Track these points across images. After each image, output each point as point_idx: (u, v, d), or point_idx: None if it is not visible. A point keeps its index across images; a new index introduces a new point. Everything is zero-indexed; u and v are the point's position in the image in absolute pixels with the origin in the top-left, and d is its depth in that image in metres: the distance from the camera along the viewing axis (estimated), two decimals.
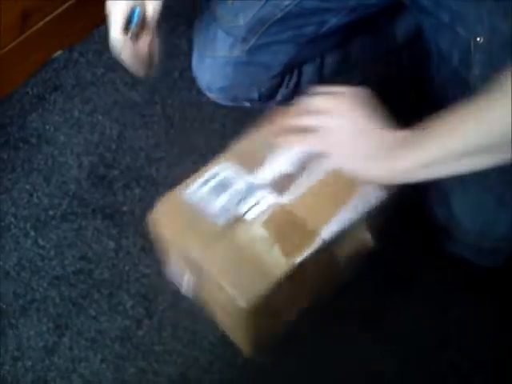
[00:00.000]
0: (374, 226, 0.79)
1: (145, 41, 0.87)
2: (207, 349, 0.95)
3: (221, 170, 0.78)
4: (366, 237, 0.80)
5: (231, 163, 0.79)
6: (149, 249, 1.05)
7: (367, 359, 0.93)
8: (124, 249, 1.06)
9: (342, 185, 0.76)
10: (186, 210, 0.76)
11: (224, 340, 0.95)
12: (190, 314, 0.98)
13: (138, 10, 0.82)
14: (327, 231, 0.73)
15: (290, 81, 1.16)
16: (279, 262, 0.71)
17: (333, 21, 1.01)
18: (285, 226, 0.74)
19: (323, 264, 0.79)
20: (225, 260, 0.73)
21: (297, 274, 0.73)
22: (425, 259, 0.99)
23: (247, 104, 1.16)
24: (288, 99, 1.18)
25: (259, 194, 0.76)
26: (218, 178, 0.78)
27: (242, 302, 0.69)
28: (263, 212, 0.74)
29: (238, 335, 0.87)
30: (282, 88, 1.16)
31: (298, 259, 0.72)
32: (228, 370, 0.93)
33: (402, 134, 0.70)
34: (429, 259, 0.99)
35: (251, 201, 0.75)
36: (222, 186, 0.77)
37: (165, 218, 0.78)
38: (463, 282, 0.98)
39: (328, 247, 0.74)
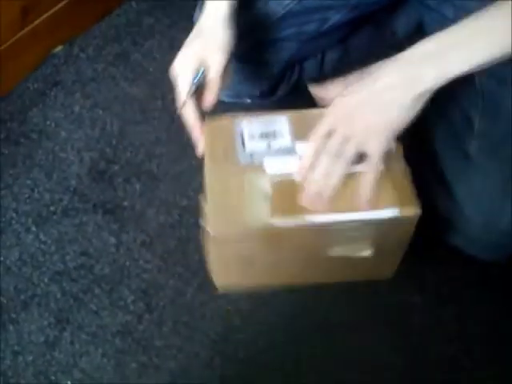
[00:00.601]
0: (379, 240, 0.81)
1: (207, 96, 0.85)
2: (208, 344, 0.95)
3: (278, 121, 0.84)
4: (366, 247, 0.82)
5: (289, 122, 0.84)
6: (149, 244, 1.06)
7: (368, 358, 0.93)
8: (124, 244, 1.06)
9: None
10: (228, 135, 0.83)
11: (224, 336, 0.96)
12: (190, 309, 0.99)
13: (202, 71, 0.83)
14: (320, 218, 0.76)
15: (290, 77, 1.16)
16: (261, 218, 0.76)
17: (334, 18, 1.01)
18: (288, 195, 0.77)
19: (309, 249, 0.82)
20: (221, 188, 0.79)
21: (272, 238, 0.77)
22: (426, 256, 0.99)
23: (248, 100, 1.16)
24: (288, 95, 1.19)
25: (290, 160, 0.80)
26: (270, 127, 0.83)
27: (210, 228, 0.76)
28: (281, 175, 0.79)
29: (210, 261, 0.91)
30: (282, 84, 1.17)
31: (277, 224, 0.76)
32: (228, 366, 0.93)
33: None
34: (430, 255, 0.99)
35: (280, 160, 0.80)
36: (268, 135, 0.82)
37: (210, 132, 0.84)
38: (465, 278, 0.99)
39: (317, 233, 0.77)
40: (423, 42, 0.71)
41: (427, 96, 0.71)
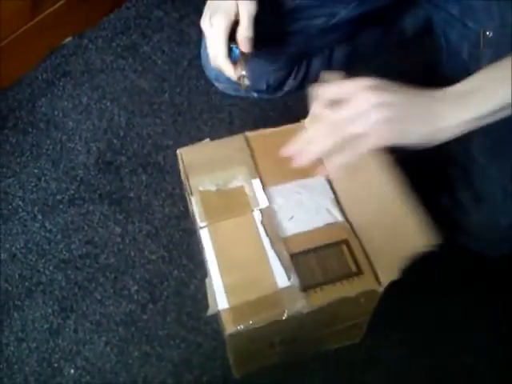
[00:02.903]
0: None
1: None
2: (210, 335, 0.96)
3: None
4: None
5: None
6: (154, 235, 1.06)
7: (365, 363, 0.94)
8: (130, 234, 1.06)
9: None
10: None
11: None
12: (193, 300, 0.99)
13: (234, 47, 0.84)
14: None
15: (298, 72, 1.16)
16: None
17: (342, 13, 1.02)
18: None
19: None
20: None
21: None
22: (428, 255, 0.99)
23: (255, 94, 1.16)
24: (295, 91, 1.19)
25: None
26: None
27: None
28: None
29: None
30: (289, 79, 1.17)
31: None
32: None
33: (448, 90, 0.67)
34: (431, 254, 0.99)
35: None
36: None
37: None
38: (465, 276, 0.99)
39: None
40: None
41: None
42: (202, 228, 0.76)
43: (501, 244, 0.88)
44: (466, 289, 0.99)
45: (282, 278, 0.71)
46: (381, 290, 0.70)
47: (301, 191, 0.79)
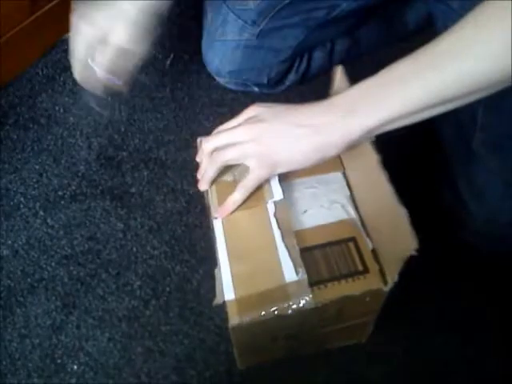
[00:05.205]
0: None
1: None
2: (213, 330, 0.96)
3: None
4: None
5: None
6: (157, 230, 1.06)
7: (369, 359, 0.94)
8: (132, 230, 1.06)
9: None
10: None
11: None
12: (196, 295, 0.99)
13: None
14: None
15: (299, 66, 1.16)
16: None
17: (343, 5, 1.01)
18: None
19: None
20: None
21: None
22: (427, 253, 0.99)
23: (256, 89, 1.16)
24: (297, 85, 1.19)
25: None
26: None
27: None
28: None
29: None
30: (291, 73, 1.17)
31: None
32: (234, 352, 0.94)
33: (341, 97, 0.67)
34: (431, 251, 1.00)
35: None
36: None
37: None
38: (467, 272, 0.99)
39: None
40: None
41: (337, 148, 0.68)
42: (215, 218, 0.76)
43: (502, 240, 0.87)
44: (467, 285, 0.98)
45: (289, 272, 0.71)
46: (387, 289, 0.70)
47: (317, 186, 0.79)
